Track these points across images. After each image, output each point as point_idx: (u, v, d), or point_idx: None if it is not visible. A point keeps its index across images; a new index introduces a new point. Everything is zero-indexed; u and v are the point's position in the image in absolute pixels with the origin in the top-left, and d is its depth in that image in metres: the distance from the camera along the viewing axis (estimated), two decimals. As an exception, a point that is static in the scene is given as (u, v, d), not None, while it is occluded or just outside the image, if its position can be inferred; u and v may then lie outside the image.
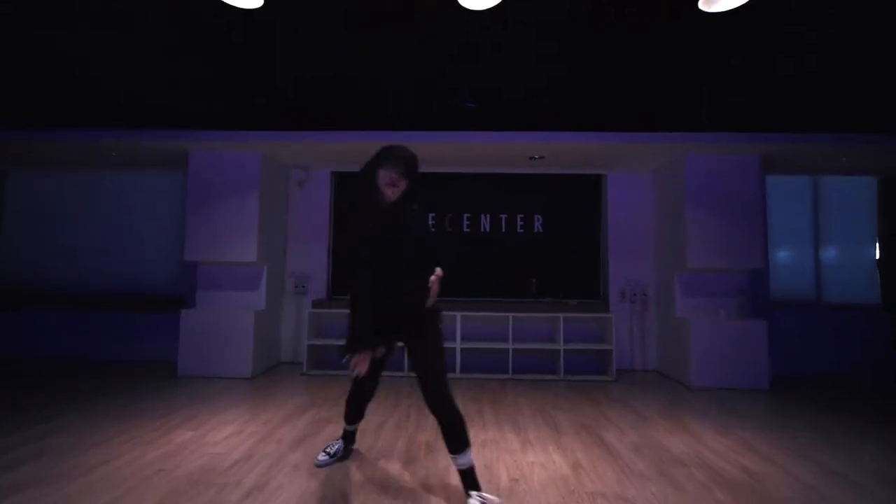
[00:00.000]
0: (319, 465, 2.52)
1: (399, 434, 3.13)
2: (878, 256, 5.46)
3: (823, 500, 2.23)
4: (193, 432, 3.07)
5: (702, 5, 3.19)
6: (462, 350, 4.86)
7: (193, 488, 2.27)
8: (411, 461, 2.66)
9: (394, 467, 2.58)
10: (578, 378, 4.80)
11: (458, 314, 4.86)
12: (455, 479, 2.34)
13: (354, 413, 2.55)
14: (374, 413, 3.51)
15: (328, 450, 2.60)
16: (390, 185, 2.01)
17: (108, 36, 3.66)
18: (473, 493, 2.03)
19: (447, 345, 4.85)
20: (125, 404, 3.64)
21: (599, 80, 4.41)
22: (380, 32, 3.67)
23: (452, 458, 2.07)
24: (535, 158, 5.01)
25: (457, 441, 2.04)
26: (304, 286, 5.43)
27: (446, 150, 4.79)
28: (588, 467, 2.60)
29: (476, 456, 2.72)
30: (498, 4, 3.01)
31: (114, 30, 3.58)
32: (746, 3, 3.07)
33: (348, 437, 2.65)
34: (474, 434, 3.11)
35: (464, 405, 3.73)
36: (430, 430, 3.17)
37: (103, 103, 4.67)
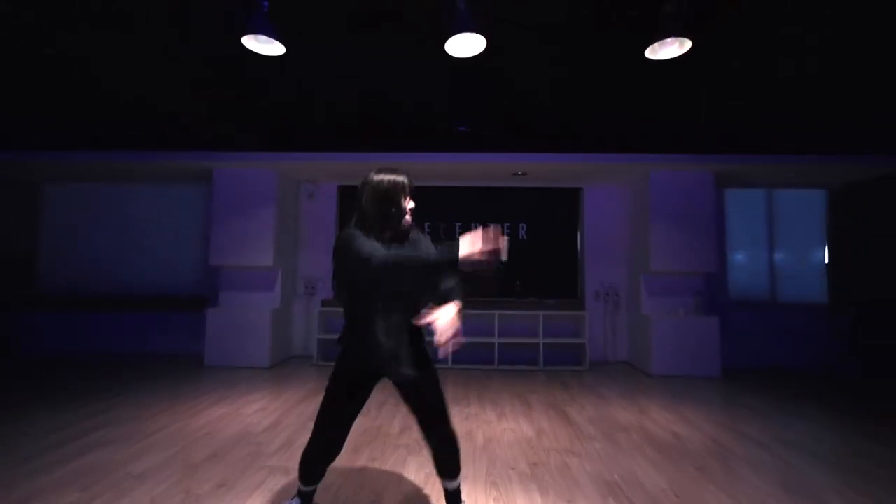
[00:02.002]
0: None
1: (396, 411, 3.77)
2: (826, 260, 6.11)
3: (726, 452, 2.88)
4: (227, 408, 3.72)
5: (648, 54, 3.85)
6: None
7: (237, 444, 2.92)
8: (408, 427, 3.31)
9: (393, 430, 3.22)
10: (556, 368, 5.45)
11: (451, 312, 5.50)
12: (441, 438, 3.00)
13: (315, 472, 1.99)
14: (376, 394, 4.16)
15: None
16: (410, 213, 1.95)
17: (151, 69, 4.31)
18: None
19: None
20: (165, 388, 4.28)
21: (577, 108, 5.06)
22: (385, 61, 4.32)
23: (444, 481, 2.02)
24: (519, 174, 5.67)
25: (454, 467, 2.01)
26: (312, 288, 6.08)
27: (441, 168, 5.44)
28: (549, 432, 3.25)
29: (459, 425, 3.38)
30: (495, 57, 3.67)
31: (158, 66, 4.23)
32: (689, 50, 3.73)
33: (306, 499, 2.06)
34: (459, 410, 3.77)
35: (453, 391, 4.39)
36: (423, 407, 3.82)
37: (136, 123, 5.31)
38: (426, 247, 1.98)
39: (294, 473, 2.51)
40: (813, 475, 2.60)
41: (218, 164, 5.31)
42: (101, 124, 5.25)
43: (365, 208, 1.87)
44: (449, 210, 6.18)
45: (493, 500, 2.28)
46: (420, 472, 2.58)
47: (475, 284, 6.03)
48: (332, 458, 1.96)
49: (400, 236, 1.93)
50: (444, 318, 1.79)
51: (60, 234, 6.30)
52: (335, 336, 5.59)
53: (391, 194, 1.88)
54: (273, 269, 5.57)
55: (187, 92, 4.73)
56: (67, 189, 6.35)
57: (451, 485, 2.00)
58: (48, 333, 6.06)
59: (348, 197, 6.25)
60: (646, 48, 3.84)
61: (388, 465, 2.67)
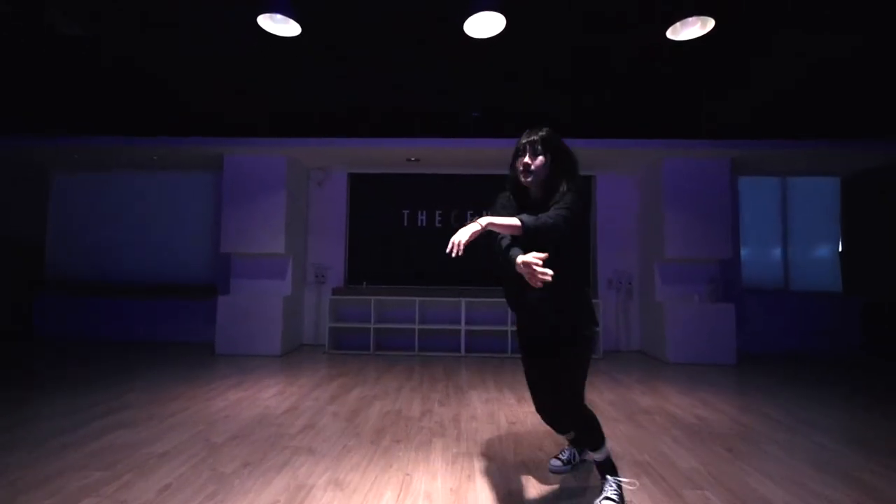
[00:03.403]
0: (554, 471, 2.32)
1: (414, 395, 3.73)
2: (840, 249, 6.07)
3: (751, 433, 2.85)
4: (244, 392, 3.68)
5: (669, 35, 3.80)
6: (467, 332, 5.47)
7: (258, 426, 2.88)
8: (429, 410, 3.27)
9: (413, 414, 3.19)
10: (569, 356, 5.41)
11: (463, 300, 5.47)
12: (464, 420, 2.97)
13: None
14: (392, 381, 4.13)
15: (561, 457, 2.37)
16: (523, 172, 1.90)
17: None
18: (610, 477, 2.00)
19: (451, 327, 5.48)
20: (181, 373, 4.25)
21: (594, 99, 5.01)
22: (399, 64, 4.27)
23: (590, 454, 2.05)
24: (531, 161, 5.62)
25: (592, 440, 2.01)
26: (323, 276, 6.03)
27: (455, 154, 5.39)
28: (571, 415, 3.21)
29: (480, 409, 3.35)
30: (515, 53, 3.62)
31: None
32: (711, 32, 3.68)
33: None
34: (478, 395, 3.73)
35: (469, 377, 4.36)
36: (440, 392, 3.78)
37: (153, 111, 5.27)
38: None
39: (317, 454, 2.48)
40: (843, 454, 2.57)
41: (228, 149, 5.25)
42: (112, 110, 5.21)
43: None
44: (460, 198, 6.13)
45: (524, 478, 2.24)
46: (447, 451, 2.54)
47: (488, 272, 5.99)
48: None
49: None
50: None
51: (69, 222, 6.26)
52: (346, 324, 5.57)
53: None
54: (284, 257, 5.53)
55: (202, 79, 4.69)
56: (77, 177, 6.30)
57: (596, 456, 2.03)
58: (58, 319, 6.02)
59: (358, 184, 6.20)
60: (667, 29, 3.80)
61: (414, 445, 2.63)
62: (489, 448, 2.61)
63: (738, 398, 3.71)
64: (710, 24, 3.59)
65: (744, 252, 5.97)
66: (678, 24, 3.66)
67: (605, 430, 2.89)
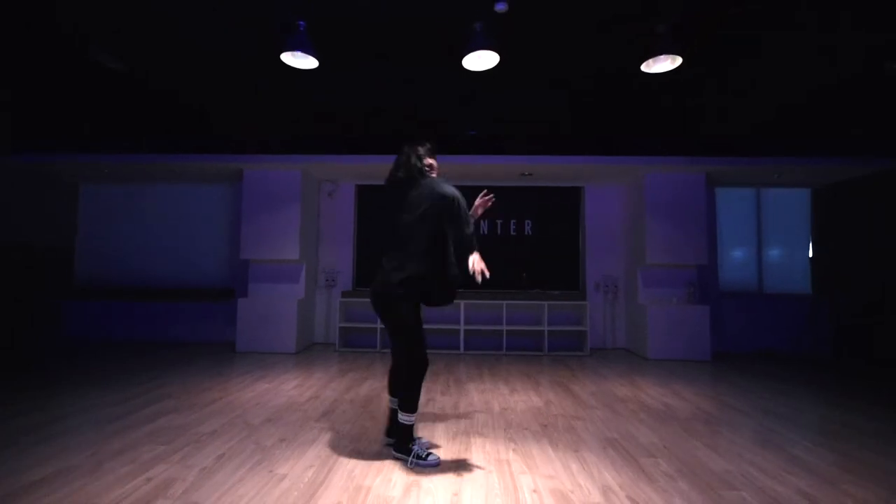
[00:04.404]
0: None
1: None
2: (811, 254, 6.56)
3: (711, 418, 3.34)
4: (269, 384, 4.17)
5: (643, 68, 4.30)
6: (465, 331, 5.96)
7: (287, 411, 3.37)
8: (431, 400, 3.76)
9: (421, 401, 3.67)
10: (559, 353, 5.91)
11: (462, 302, 5.96)
12: (462, 406, 3.46)
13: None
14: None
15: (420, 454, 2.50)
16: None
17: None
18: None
19: (451, 327, 5.95)
20: (208, 368, 4.74)
21: (582, 120, 5.50)
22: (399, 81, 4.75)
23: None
24: (526, 175, 6.12)
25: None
26: (333, 280, 6.53)
27: (454, 169, 5.88)
28: (556, 403, 3.71)
29: (476, 398, 3.83)
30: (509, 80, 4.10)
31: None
32: (679, 67, 4.16)
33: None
34: (475, 386, 4.22)
35: (467, 372, 4.84)
36: (442, 384, 4.27)
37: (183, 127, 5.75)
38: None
39: (339, 433, 2.96)
40: (785, 434, 3.05)
41: (249, 165, 5.75)
42: (144, 129, 5.70)
43: None
44: (459, 207, 6.60)
45: (512, 451, 2.73)
46: (448, 431, 3.03)
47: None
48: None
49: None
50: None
51: (98, 230, 6.75)
52: (355, 324, 6.06)
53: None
54: (298, 263, 6.02)
55: (229, 99, 5.15)
56: (105, 188, 6.79)
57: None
58: (87, 321, 6.51)
59: (366, 195, 6.69)
60: (641, 63, 4.29)
61: (421, 426, 3.12)
62: (484, 428, 3.10)
63: (706, 389, 4.21)
64: (679, 60, 4.08)
65: (721, 257, 6.47)
66: (650, 59, 4.15)
67: (583, 413, 3.40)
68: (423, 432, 2.99)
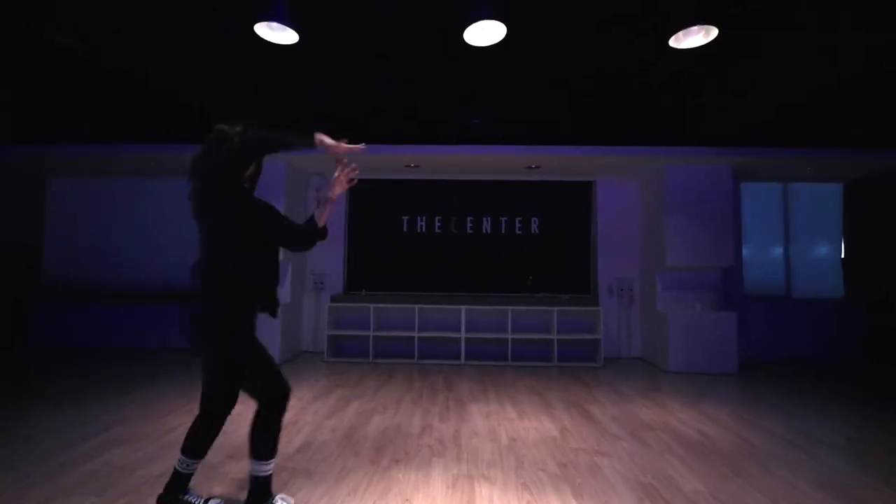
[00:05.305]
0: None
1: (414, 409, 3.68)
2: (843, 255, 6.03)
3: (758, 452, 2.81)
4: (242, 406, 3.62)
5: (672, 43, 3.75)
6: (466, 340, 5.42)
7: (256, 445, 2.83)
8: (429, 426, 3.23)
9: (413, 430, 3.14)
10: (570, 364, 5.37)
11: (463, 308, 5.42)
12: (464, 437, 2.93)
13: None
14: (391, 392, 4.10)
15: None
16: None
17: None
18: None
19: (451, 335, 5.43)
20: (177, 386, 4.19)
21: (593, 105, 4.96)
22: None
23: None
24: (532, 168, 5.57)
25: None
26: (321, 283, 5.99)
27: (455, 161, 5.34)
28: (573, 431, 3.17)
29: (480, 423, 3.31)
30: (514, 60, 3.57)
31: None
32: (712, 42, 3.63)
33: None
34: (478, 408, 3.69)
35: (469, 387, 4.31)
36: (440, 405, 3.74)
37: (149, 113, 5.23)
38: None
39: (315, 477, 2.44)
40: (846, 473, 2.53)
41: (226, 156, 5.20)
42: (118, 116, 5.20)
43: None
44: (460, 204, 6.08)
45: (527, 503, 2.20)
46: (447, 473, 2.50)
47: (485, 280, 5.94)
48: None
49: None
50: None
51: (68, 228, 6.22)
52: (345, 332, 5.52)
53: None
54: (283, 264, 5.46)
55: (201, 81, 4.67)
56: (75, 181, 6.25)
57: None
58: (55, 326, 5.96)
59: (357, 190, 6.14)
60: (669, 37, 3.74)
61: (414, 466, 2.59)
62: (490, 469, 2.56)
63: (742, 411, 3.67)
64: (714, 32, 3.53)
65: (745, 258, 5.93)
66: (681, 33, 3.61)
67: (608, 447, 2.86)
68: (418, 473, 2.46)
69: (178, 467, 1.99)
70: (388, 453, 2.76)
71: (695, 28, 3.56)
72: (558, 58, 4.14)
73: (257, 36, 3.63)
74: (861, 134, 5.11)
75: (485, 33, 3.65)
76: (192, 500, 2.01)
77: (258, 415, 2.05)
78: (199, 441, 2.01)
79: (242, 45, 3.94)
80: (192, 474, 2.01)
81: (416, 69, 4.36)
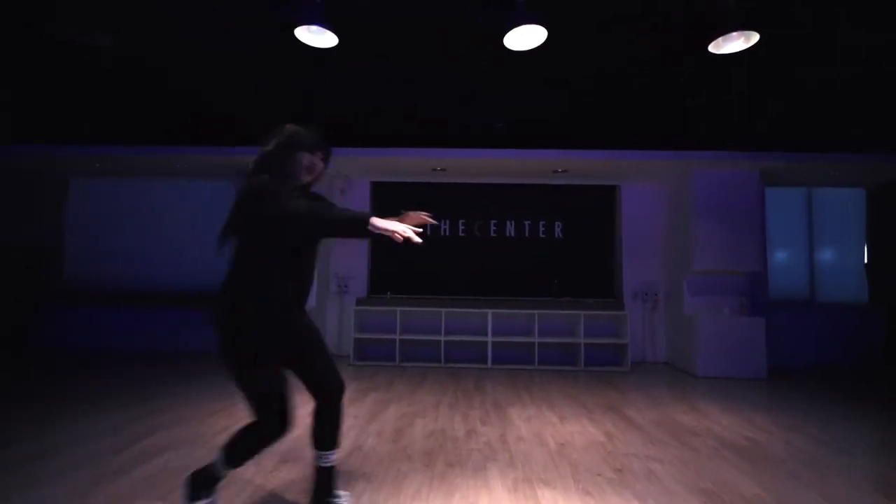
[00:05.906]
0: None
1: (453, 413, 3.67)
2: (866, 260, 6.03)
3: (810, 459, 2.80)
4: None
5: (711, 49, 3.76)
6: (493, 343, 5.42)
7: (306, 446, 2.82)
8: (473, 430, 3.22)
9: (458, 434, 3.14)
10: (597, 369, 5.37)
11: (489, 311, 5.42)
12: (512, 441, 2.93)
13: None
14: (426, 396, 4.09)
15: None
16: (308, 170, 1.98)
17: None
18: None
19: (477, 339, 5.42)
20: (215, 389, 4.18)
21: (618, 108, 4.98)
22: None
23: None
24: (559, 172, 5.58)
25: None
26: (345, 286, 5.98)
27: (480, 164, 5.35)
28: (619, 436, 3.17)
29: (524, 427, 3.30)
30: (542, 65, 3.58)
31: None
32: (751, 48, 3.64)
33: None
34: (518, 413, 3.68)
35: (504, 393, 4.30)
36: (478, 409, 3.73)
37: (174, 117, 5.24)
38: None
39: (374, 480, 2.43)
40: (905, 481, 2.53)
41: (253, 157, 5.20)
42: (143, 119, 5.20)
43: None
44: (483, 207, 6.09)
45: (591, 508, 2.19)
46: (505, 477, 2.49)
47: (510, 283, 5.93)
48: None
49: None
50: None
51: (88, 230, 6.21)
52: (371, 335, 5.52)
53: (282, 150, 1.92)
54: (309, 267, 5.47)
55: (234, 89, 4.69)
56: (95, 183, 6.25)
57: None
58: (75, 328, 5.96)
59: (381, 193, 6.16)
60: (707, 43, 3.76)
61: (470, 470, 2.58)
62: (546, 473, 2.56)
63: (782, 418, 3.66)
64: (755, 38, 3.55)
65: (770, 263, 5.93)
66: (720, 38, 3.62)
67: (658, 454, 2.85)
68: (476, 477, 2.45)
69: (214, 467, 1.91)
70: (440, 457, 2.75)
71: (735, 34, 3.58)
72: (589, 56, 4.13)
73: (295, 38, 3.65)
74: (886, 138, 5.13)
75: (525, 38, 3.67)
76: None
77: (315, 405, 2.07)
78: (242, 448, 1.95)
79: (269, 46, 3.94)
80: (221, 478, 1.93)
81: (415, 70, 4.36)
